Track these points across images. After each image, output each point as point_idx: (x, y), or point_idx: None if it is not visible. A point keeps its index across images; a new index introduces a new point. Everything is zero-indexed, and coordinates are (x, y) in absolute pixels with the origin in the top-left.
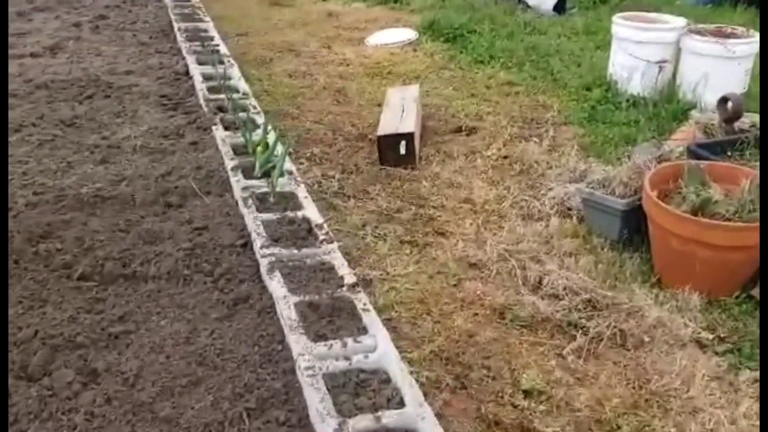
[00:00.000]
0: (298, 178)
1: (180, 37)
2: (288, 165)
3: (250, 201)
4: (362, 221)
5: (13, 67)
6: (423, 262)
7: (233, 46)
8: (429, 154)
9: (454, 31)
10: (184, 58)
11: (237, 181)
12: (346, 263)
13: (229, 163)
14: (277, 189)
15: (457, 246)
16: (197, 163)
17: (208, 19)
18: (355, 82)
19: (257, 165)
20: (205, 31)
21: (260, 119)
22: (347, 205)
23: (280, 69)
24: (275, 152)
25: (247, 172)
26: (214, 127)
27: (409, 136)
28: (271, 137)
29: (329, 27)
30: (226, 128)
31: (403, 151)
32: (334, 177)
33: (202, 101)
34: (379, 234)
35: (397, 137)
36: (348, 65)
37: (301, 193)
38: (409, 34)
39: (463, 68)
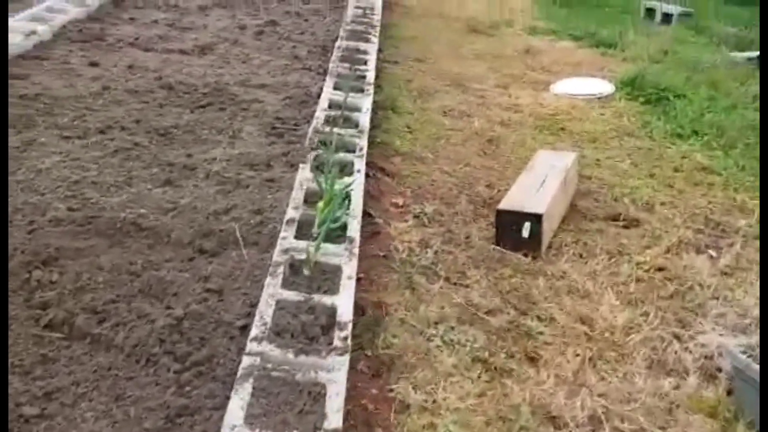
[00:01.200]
0: (355, 250)
1: (334, 56)
2: (354, 229)
3: (281, 269)
4: (438, 316)
5: (155, 62)
6: (488, 397)
7: (402, 71)
8: (563, 242)
9: (658, 92)
10: (324, 80)
11: (283, 239)
12: (344, 392)
13: (290, 214)
14: (321, 259)
15: (544, 385)
16: (261, 204)
17: (375, 39)
18: (515, 133)
19: (316, 222)
20: (365, 52)
21: (360, 164)
22: (430, 289)
23: (437, 104)
24: (345, 209)
25: (306, 228)
26: (302, 166)
27: (536, 218)
28: (344, 186)
29: (519, 64)
30: (317, 168)
31: (525, 234)
32: (431, 246)
33: (310, 132)
34: (451, 340)
35: (521, 216)
36: (517, 111)
37: (348, 270)
38: (604, 86)
39: (654, 139)
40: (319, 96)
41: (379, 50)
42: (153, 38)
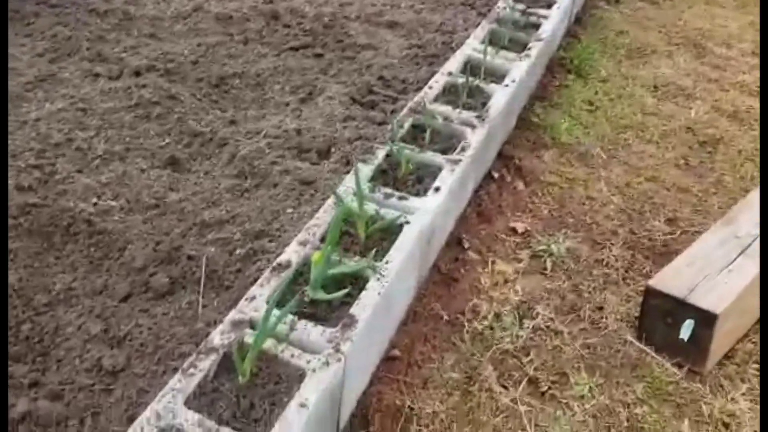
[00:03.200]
0: (345, 345)
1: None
2: (367, 303)
3: (204, 362)
4: None
5: None
6: None
7: (619, 17)
8: (747, 357)
9: None
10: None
11: (250, 300)
12: None
13: (289, 252)
14: (283, 354)
15: None
16: (271, 223)
17: None
18: (750, 136)
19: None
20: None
21: (448, 177)
22: (498, 399)
23: (648, 73)
24: (372, 258)
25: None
26: (359, 167)
27: (706, 319)
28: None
29: None
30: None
31: (685, 335)
32: (535, 316)
33: (405, 110)
34: None
35: (681, 307)
36: None
37: (312, 388)
38: None
39: None
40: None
41: None
42: None
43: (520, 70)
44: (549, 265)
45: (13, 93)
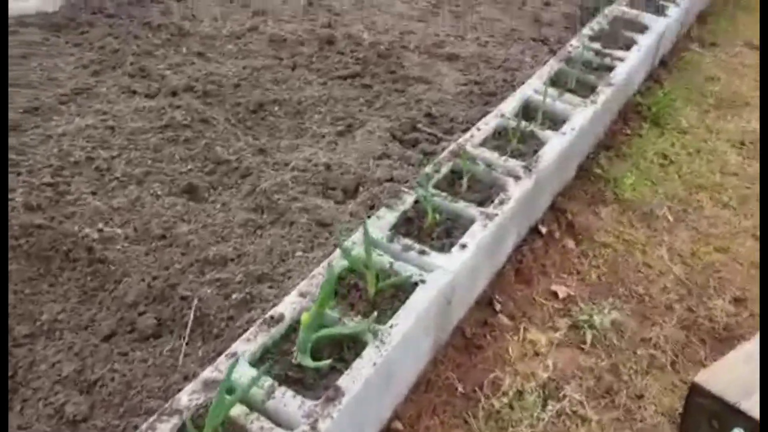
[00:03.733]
0: (334, 413)
1: (587, 27)
2: (355, 378)
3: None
4: None
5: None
6: None
7: (711, 61)
8: None
9: None
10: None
11: (229, 355)
12: None
13: (286, 304)
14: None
15: None
16: (278, 266)
17: (673, 10)
18: None
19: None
20: (643, 27)
21: (479, 232)
22: None
23: (737, 126)
24: (373, 322)
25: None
26: (380, 213)
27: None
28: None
29: None
30: (410, 225)
31: None
32: (562, 398)
33: (445, 152)
34: None
35: (729, 412)
36: None
37: None
38: None
39: None
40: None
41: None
42: None
43: (582, 117)
44: (588, 338)
45: (46, 105)
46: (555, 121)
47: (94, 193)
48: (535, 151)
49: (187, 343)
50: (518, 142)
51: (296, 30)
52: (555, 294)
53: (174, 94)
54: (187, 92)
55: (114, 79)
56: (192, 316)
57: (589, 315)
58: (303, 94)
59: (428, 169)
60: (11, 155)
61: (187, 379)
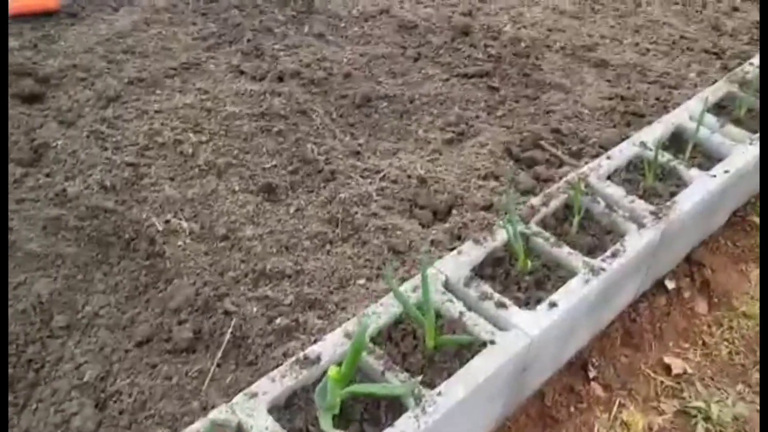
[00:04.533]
0: None
1: None
2: None
3: None
4: None
5: None
6: None
7: None
8: None
9: None
10: None
11: (256, 396)
12: None
13: (328, 343)
14: None
15: None
16: (332, 290)
17: None
18: None
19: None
20: None
21: (575, 293)
22: None
23: None
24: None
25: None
26: (468, 246)
27: None
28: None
29: None
30: (497, 268)
31: None
32: None
33: (566, 177)
34: None
35: None
36: None
37: None
38: None
39: None
40: None
41: None
42: None
43: (743, 157)
44: (699, 430)
45: (152, 77)
46: (709, 158)
47: (171, 179)
48: (673, 194)
49: (219, 365)
50: (655, 180)
51: (431, 16)
52: (668, 368)
53: (280, 79)
54: (294, 78)
55: (226, 55)
56: (227, 336)
57: (706, 402)
58: (418, 90)
59: (536, 200)
60: (103, 128)
61: (205, 409)
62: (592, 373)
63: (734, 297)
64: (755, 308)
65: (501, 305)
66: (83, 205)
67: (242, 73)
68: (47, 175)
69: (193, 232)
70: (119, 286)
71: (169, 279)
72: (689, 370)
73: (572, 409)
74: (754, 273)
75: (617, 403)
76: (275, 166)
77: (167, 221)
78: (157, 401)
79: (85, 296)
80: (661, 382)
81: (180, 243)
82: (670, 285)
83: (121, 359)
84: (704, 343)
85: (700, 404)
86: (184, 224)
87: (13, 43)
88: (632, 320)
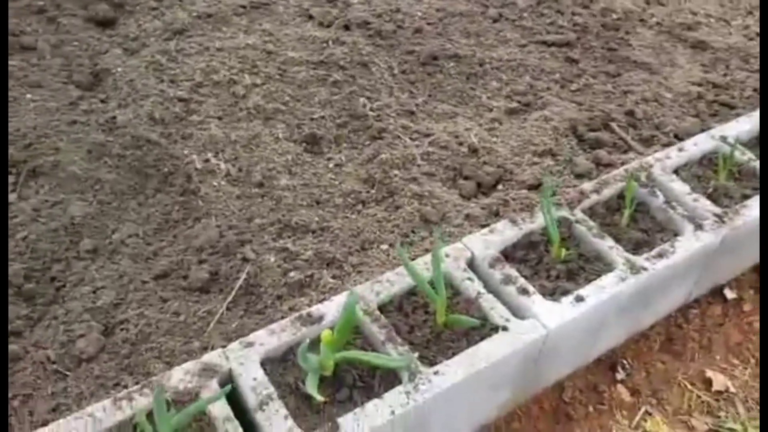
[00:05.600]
0: None
1: None
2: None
3: None
4: None
5: None
6: None
7: None
8: None
9: None
10: None
11: (252, 345)
12: None
13: (335, 303)
14: None
15: None
16: (352, 252)
17: None
18: None
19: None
20: None
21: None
22: None
23: None
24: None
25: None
26: (503, 225)
27: None
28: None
29: None
30: (529, 252)
31: None
32: None
33: (629, 165)
34: None
35: None
36: None
37: None
38: None
39: None
40: None
41: None
42: None
43: None
44: None
45: (221, 13)
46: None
47: (219, 119)
48: (746, 197)
49: (228, 309)
50: (729, 179)
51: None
52: (709, 382)
53: (347, 27)
54: (361, 28)
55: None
56: (240, 282)
57: (743, 426)
58: (491, 54)
59: (588, 185)
60: (163, 60)
61: (205, 349)
62: (620, 375)
63: None
64: None
65: (523, 291)
66: (129, 134)
67: (311, 17)
68: (102, 101)
69: (230, 174)
70: (151, 218)
71: (198, 217)
72: (732, 389)
73: (591, 408)
74: None
75: (643, 410)
76: (323, 117)
77: (206, 160)
78: (161, 335)
79: (116, 223)
80: (698, 396)
81: (215, 183)
82: (730, 294)
83: (136, 289)
84: (755, 360)
85: (737, 427)
86: (222, 165)
87: None
88: (678, 326)
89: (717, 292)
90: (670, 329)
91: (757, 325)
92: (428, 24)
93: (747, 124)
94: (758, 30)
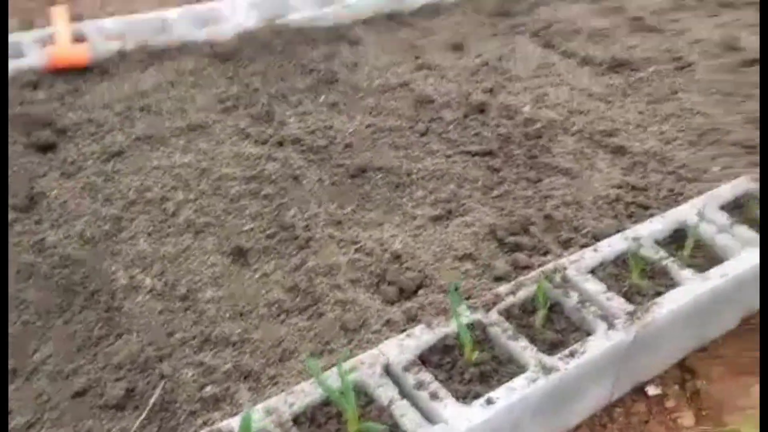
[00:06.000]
0: None
1: None
2: None
3: None
4: None
5: None
6: None
7: None
8: None
9: None
10: None
11: None
12: None
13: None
14: None
15: None
16: (271, 363)
17: None
18: None
19: None
20: None
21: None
22: None
23: None
24: None
25: None
26: (419, 330)
27: None
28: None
29: None
30: (444, 356)
31: None
32: None
33: (542, 268)
34: None
35: None
36: None
37: None
38: None
39: None
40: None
41: None
42: None
43: (747, 260)
44: None
45: (159, 135)
46: (713, 258)
47: (149, 235)
48: (659, 294)
49: (143, 426)
50: (643, 278)
51: (451, 91)
52: None
53: (281, 144)
54: (294, 144)
55: (237, 119)
56: (154, 399)
57: None
58: (418, 165)
59: (503, 288)
60: (99, 181)
61: None
62: None
63: (727, 413)
64: (750, 427)
65: (434, 396)
66: (58, 254)
67: (247, 136)
68: (36, 223)
69: (155, 289)
70: (75, 336)
71: (120, 334)
72: None
73: None
74: (755, 387)
75: None
76: (252, 229)
77: (132, 276)
78: None
79: (38, 343)
80: None
81: (139, 299)
82: (653, 391)
83: (52, 409)
84: None
85: None
86: (148, 281)
87: (42, 94)
88: (602, 425)
89: (639, 390)
90: (594, 429)
91: (682, 420)
92: (359, 139)
93: (659, 224)
94: (674, 135)
